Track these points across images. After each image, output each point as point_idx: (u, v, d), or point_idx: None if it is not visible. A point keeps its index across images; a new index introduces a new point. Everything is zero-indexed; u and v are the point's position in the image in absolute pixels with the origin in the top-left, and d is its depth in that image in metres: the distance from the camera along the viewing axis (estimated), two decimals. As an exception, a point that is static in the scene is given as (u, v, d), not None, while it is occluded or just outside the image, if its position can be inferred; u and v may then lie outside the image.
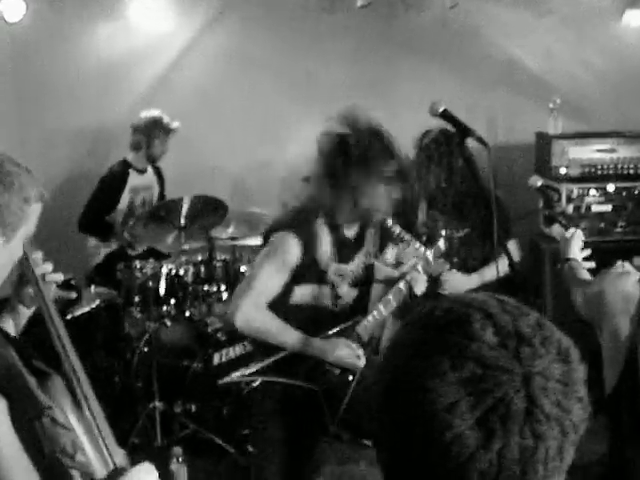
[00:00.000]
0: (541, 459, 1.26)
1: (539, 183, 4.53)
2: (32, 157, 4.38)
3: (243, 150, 7.56)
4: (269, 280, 3.92)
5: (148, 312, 5.96)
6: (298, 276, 3.96)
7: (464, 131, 3.58)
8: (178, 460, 5.08)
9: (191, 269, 6.16)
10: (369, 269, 4.24)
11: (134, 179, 6.85)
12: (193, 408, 5.96)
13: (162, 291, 6.02)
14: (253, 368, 4.25)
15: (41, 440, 2.37)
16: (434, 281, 4.89)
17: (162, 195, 7.09)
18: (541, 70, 7.61)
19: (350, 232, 4.11)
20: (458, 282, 5.05)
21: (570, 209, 6.57)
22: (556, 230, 3.87)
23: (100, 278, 6.51)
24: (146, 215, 6.27)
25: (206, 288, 6.17)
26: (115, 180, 6.73)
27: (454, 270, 5.00)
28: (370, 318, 4.14)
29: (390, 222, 4.13)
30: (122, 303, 6.11)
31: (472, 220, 5.08)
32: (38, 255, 2.77)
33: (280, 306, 3.97)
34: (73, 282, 5.79)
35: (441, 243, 4.34)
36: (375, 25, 7.41)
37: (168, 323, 6.06)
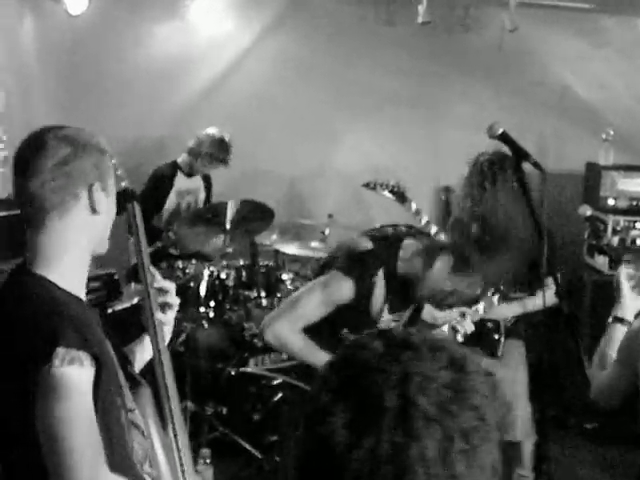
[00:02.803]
0: (417, 459, 1.24)
1: (589, 212, 4.51)
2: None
3: (294, 157, 7.58)
4: (312, 308, 3.94)
5: (186, 313, 5.98)
6: (349, 322, 3.97)
7: (521, 155, 3.56)
8: (205, 462, 5.11)
9: (233, 273, 6.18)
10: (413, 318, 4.23)
11: (181, 182, 6.87)
12: (224, 411, 5.97)
13: (202, 293, 6.04)
14: (278, 365, 4.29)
15: (125, 430, 2.39)
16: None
17: (208, 201, 7.10)
18: (595, 100, 7.59)
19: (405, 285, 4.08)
20: (501, 310, 5.02)
21: (615, 241, 6.52)
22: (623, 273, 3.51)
23: (140, 276, 6.51)
24: (193, 216, 6.29)
25: (246, 293, 6.19)
26: (163, 181, 6.75)
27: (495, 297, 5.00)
28: None
29: None
30: (161, 302, 6.13)
31: (519, 245, 5.06)
32: (157, 275, 2.77)
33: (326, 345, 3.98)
34: (116, 277, 5.86)
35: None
36: (432, 43, 7.41)
37: (205, 325, 6.08)
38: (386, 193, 4.51)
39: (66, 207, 2.40)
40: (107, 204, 2.49)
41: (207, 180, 7.12)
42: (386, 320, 4.04)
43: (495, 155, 5.00)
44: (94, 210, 2.44)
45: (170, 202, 6.79)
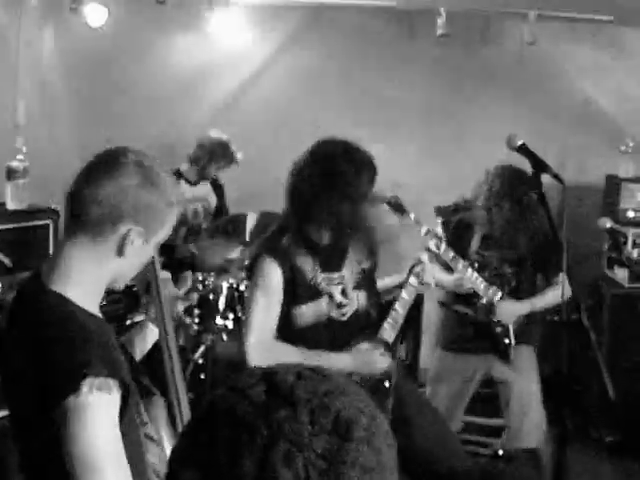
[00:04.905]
0: None
1: (608, 225, 4.51)
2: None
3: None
4: (264, 312, 3.91)
5: (206, 325, 5.97)
6: (293, 297, 3.95)
7: (540, 167, 3.56)
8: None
9: (252, 286, 6.16)
10: (368, 271, 4.22)
11: (185, 190, 6.84)
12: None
13: (221, 305, 6.04)
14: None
15: (143, 449, 2.38)
16: (488, 309, 5.00)
17: (222, 207, 7.10)
18: (614, 112, 7.56)
19: (324, 240, 4.07)
20: (510, 309, 5.10)
21: (635, 253, 6.49)
22: None
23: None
24: (213, 229, 6.30)
25: (265, 305, 6.17)
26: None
27: (505, 299, 5.04)
28: (390, 320, 4.16)
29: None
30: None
31: (526, 249, 5.10)
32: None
33: (287, 334, 3.96)
34: (135, 289, 5.86)
35: (438, 228, 4.38)
36: (452, 56, 7.41)
37: (224, 337, 6.07)
38: (384, 206, 4.50)
39: (101, 231, 2.35)
40: (140, 250, 2.42)
41: (216, 184, 7.11)
42: (323, 279, 4.01)
43: (513, 170, 5.03)
44: (120, 252, 2.38)
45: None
